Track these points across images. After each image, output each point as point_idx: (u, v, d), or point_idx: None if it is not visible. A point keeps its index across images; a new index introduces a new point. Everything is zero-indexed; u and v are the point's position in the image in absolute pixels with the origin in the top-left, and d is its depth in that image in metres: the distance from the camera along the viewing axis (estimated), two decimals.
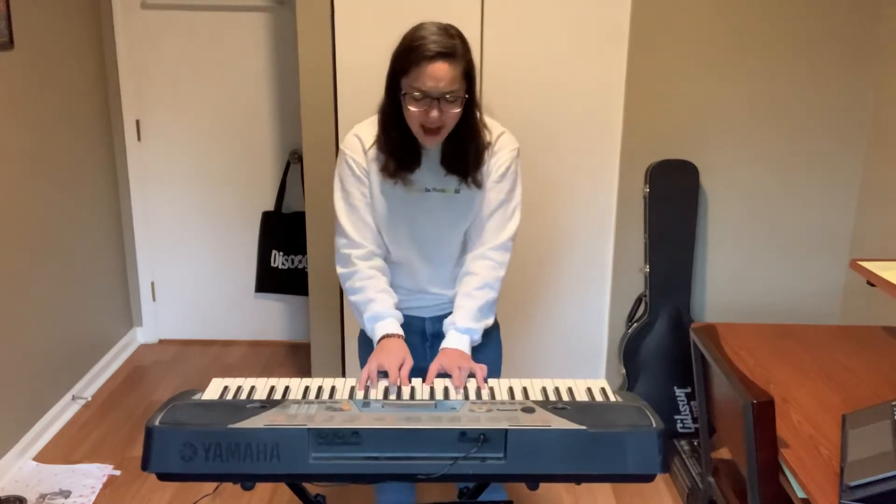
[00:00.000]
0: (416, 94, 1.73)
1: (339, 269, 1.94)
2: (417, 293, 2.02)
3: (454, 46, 1.73)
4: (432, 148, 1.85)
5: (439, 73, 1.70)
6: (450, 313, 2.00)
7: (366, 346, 2.04)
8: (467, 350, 1.84)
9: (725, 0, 2.88)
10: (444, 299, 2.01)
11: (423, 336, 2.04)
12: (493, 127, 1.92)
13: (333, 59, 2.92)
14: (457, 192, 1.90)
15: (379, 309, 1.87)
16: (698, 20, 2.91)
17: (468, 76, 1.77)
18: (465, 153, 1.85)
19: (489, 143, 1.89)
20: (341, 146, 1.92)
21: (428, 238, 1.94)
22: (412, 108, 1.75)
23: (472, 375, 1.76)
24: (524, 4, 2.83)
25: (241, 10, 3.62)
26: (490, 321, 1.93)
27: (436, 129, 1.77)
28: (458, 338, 1.85)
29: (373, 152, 1.88)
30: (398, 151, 1.84)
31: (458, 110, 1.76)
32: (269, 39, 3.65)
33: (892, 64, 2.84)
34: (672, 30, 2.91)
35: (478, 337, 1.89)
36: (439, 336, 1.98)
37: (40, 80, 3.08)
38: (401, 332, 1.87)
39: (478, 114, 1.86)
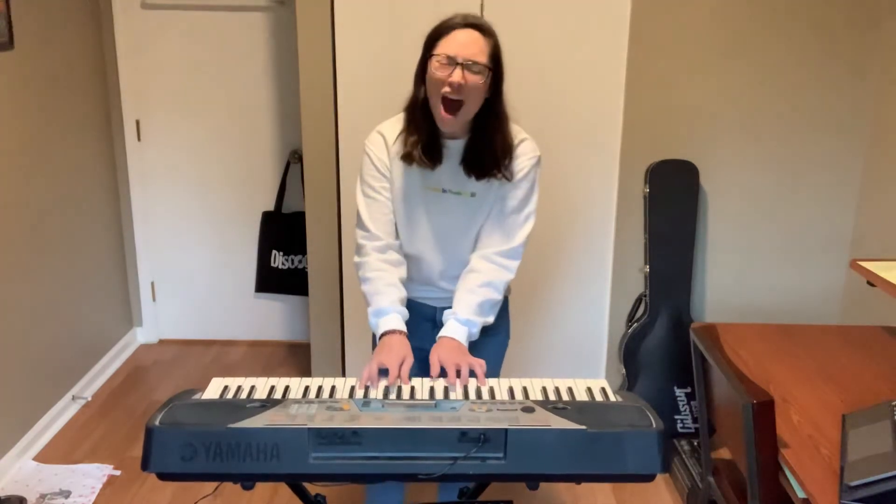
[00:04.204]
0: (442, 58, 1.74)
1: (356, 259, 1.96)
2: (427, 285, 2.04)
3: (484, 23, 1.79)
4: (450, 129, 1.84)
5: (467, 39, 1.74)
6: None
7: None
8: (464, 342, 1.84)
9: (725, 1, 2.88)
10: (453, 293, 2.03)
11: (433, 323, 2.05)
12: (517, 132, 1.93)
13: (333, 59, 2.92)
14: (473, 195, 1.91)
15: (383, 304, 1.86)
16: (698, 20, 2.91)
17: (495, 59, 1.79)
18: (486, 148, 1.84)
19: (510, 145, 1.89)
20: (365, 141, 1.95)
21: (442, 236, 1.96)
22: (437, 73, 1.75)
23: (472, 374, 1.76)
24: (524, 4, 2.83)
25: (241, 10, 3.62)
26: (490, 320, 1.93)
27: (456, 103, 1.77)
28: (456, 328, 1.85)
29: (396, 147, 1.89)
30: (423, 140, 1.85)
31: (481, 82, 1.76)
32: (269, 39, 3.65)
33: (893, 64, 2.84)
34: (672, 30, 2.91)
35: (476, 331, 1.88)
36: None
37: (40, 80, 3.08)
38: (403, 328, 1.86)
39: (504, 109, 1.86)
